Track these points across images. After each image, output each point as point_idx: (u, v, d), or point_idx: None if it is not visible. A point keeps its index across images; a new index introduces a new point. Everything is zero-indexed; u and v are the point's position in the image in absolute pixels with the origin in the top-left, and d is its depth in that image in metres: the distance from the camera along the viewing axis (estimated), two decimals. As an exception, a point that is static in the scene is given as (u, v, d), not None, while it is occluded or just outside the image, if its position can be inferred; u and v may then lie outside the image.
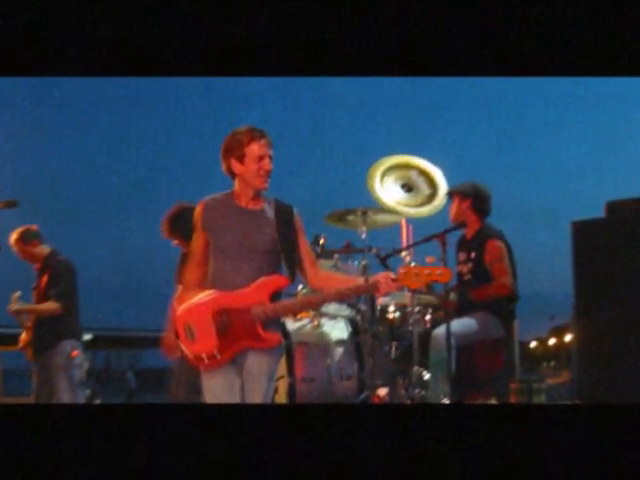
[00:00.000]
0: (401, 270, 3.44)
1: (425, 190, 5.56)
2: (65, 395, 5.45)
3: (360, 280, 3.69)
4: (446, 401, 4.54)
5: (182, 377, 4.57)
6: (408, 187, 5.58)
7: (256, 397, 3.38)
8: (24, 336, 5.72)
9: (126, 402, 18.81)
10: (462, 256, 5.12)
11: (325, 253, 5.31)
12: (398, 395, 5.00)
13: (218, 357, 3.40)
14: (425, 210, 5.48)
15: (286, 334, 4.91)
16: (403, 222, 5.72)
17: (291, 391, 4.87)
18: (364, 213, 5.23)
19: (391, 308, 5.26)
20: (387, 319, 5.26)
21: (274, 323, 3.48)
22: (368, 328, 5.08)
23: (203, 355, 3.42)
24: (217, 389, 3.44)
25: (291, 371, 4.91)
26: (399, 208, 5.44)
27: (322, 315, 5.20)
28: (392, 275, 3.46)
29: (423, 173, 5.60)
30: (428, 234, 4.68)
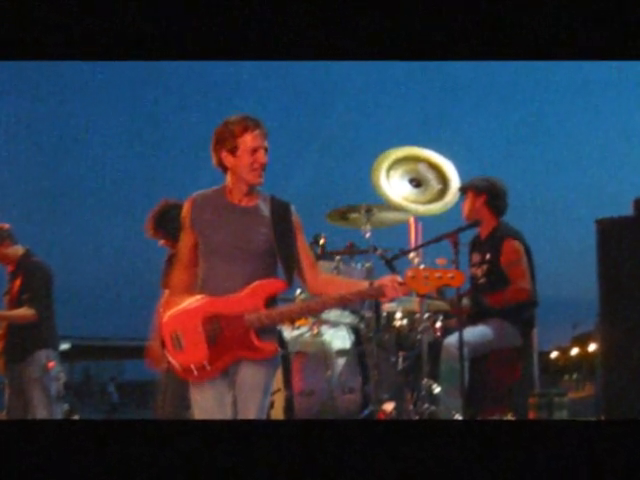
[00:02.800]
0: (409, 273, 3.43)
1: (435, 185, 5.56)
2: (40, 410, 5.45)
3: (364, 284, 3.68)
4: (458, 417, 4.55)
5: (169, 390, 4.58)
6: (417, 182, 5.59)
7: (250, 412, 3.39)
8: (-5, 346, 5.72)
9: (107, 418, 18.81)
10: (476, 258, 5.12)
11: (326, 254, 5.31)
12: (406, 410, 5.01)
13: (208, 368, 3.40)
14: (435, 207, 5.49)
15: (283, 343, 4.92)
16: (411, 220, 5.73)
17: (288, 406, 4.88)
18: (368, 210, 5.23)
19: (398, 315, 5.26)
20: (393, 327, 5.26)
21: (270, 331, 3.48)
22: (373, 337, 5.09)
23: (192, 366, 3.42)
24: (207, 403, 3.44)
25: (288, 384, 4.91)
26: (407, 205, 5.45)
27: (322, 322, 5.20)
28: (399, 278, 3.46)
29: (433, 166, 5.61)
30: (439, 233, 4.69)
